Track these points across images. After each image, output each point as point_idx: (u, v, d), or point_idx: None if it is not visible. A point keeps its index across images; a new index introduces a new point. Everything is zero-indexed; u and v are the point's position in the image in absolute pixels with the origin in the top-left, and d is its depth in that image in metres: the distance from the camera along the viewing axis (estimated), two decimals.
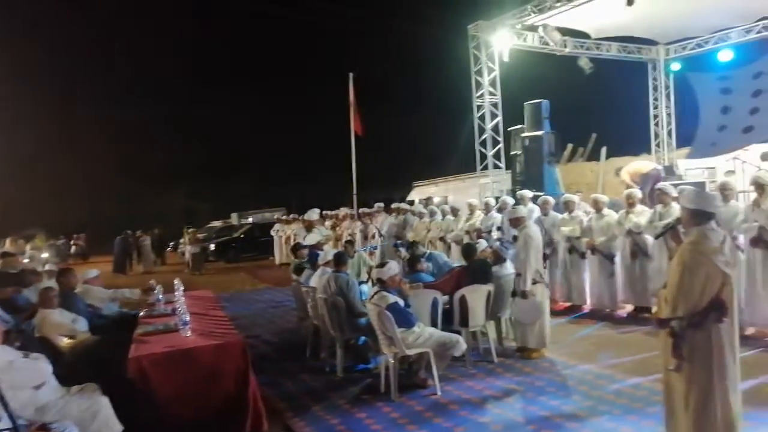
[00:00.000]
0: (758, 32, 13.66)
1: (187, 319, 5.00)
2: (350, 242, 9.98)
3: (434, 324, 5.77)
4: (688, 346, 3.31)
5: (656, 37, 14.96)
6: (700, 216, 3.44)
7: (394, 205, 13.41)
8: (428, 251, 8.16)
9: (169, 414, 4.27)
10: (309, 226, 9.99)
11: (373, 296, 5.45)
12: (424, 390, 5.35)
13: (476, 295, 6.06)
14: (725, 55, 14.43)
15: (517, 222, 6.42)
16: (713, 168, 12.39)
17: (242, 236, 23.05)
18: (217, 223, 28.69)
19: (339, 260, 6.36)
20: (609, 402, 4.85)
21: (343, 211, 16.23)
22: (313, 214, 10.41)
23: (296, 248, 8.55)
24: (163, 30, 33.83)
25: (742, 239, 6.53)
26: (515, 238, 6.68)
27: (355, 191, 16.79)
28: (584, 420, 4.53)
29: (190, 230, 20.38)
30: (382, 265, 5.67)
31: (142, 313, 6.21)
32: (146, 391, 4.24)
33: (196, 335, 4.89)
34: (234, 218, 31.09)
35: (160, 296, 6.82)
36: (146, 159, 37.24)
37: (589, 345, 6.60)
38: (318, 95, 29.51)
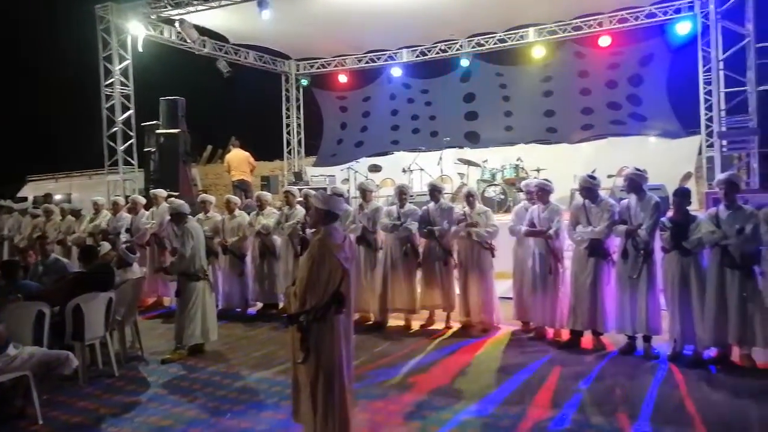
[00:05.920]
0: (366, 62, 16.10)
1: None
2: None
3: (38, 341, 4.95)
4: (314, 338, 3.59)
5: (288, 52, 16.14)
6: (328, 216, 3.80)
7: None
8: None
9: None
10: None
11: None
12: (21, 421, 4.53)
13: (94, 304, 5.46)
14: (343, 78, 16.52)
15: (179, 219, 6.34)
16: (333, 176, 14.07)
17: None
18: None
19: None
20: (233, 399, 4.94)
21: None
22: None
23: None
24: None
25: (352, 238, 7.48)
26: None
27: None
28: (207, 421, 4.50)
29: None
30: None
31: None
32: None
33: None
34: None
35: None
36: None
37: (219, 345, 6.62)
38: None
